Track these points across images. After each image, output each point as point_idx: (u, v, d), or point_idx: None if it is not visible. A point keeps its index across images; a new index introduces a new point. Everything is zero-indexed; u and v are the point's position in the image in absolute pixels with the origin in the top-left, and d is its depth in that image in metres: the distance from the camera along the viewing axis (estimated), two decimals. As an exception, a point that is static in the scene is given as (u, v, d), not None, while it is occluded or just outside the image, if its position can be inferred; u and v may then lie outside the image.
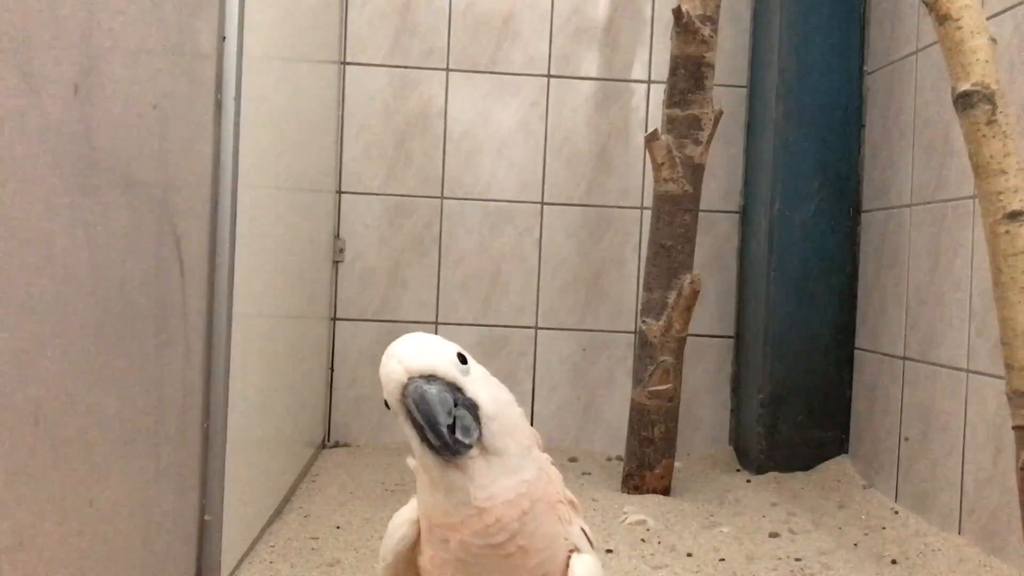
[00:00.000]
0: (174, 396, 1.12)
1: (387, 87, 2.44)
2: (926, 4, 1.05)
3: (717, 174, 2.45)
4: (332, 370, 2.43)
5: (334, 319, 2.43)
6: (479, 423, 0.77)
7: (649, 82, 2.47)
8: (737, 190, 2.49)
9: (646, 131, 2.48)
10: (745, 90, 2.48)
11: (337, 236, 2.43)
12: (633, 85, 2.48)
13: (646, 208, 2.46)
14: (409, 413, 0.76)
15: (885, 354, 2.12)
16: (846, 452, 2.29)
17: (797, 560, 1.62)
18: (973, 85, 1.03)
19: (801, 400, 2.29)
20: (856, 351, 2.28)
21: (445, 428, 0.75)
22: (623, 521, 1.79)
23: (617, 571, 1.52)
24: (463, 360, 0.79)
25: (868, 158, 2.28)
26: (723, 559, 1.60)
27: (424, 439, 0.76)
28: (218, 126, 1.27)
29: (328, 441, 2.43)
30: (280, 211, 1.69)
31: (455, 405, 0.76)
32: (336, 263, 2.43)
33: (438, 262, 2.45)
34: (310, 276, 2.06)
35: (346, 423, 2.44)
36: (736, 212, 2.49)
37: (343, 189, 2.43)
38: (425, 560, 0.85)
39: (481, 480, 0.77)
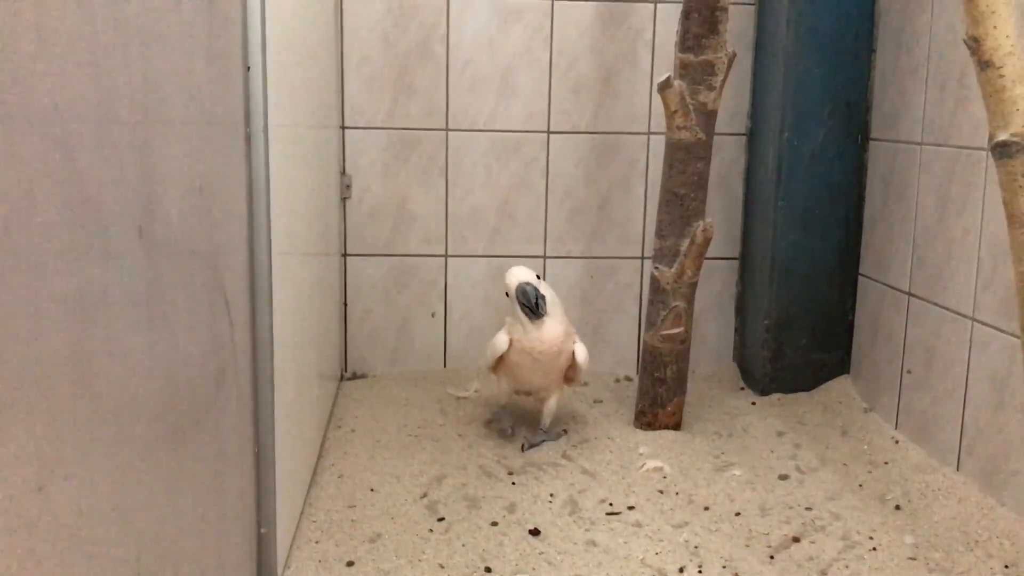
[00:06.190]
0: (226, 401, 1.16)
1: (387, 16, 2.37)
2: (969, 47, 1.03)
3: (723, 95, 2.41)
4: (345, 305, 2.47)
5: (344, 255, 2.45)
6: (545, 304, 1.84)
7: (656, 1, 2.41)
8: (744, 111, 2.47)
9: (652, 55, 2.43)
10: (753, 7, 2.42)
11: (343, 172, 2.41)
12: (638, 6, 2.41)
13: (653, 133, 2.45)
14: (519, 297, 1.83)
15: (890, 286, 2.17)
16: (847, 372, 2.37)
17: (808, 509, 1.72)
18: (1012, 136, 1.03)
19: (806, 324, 2.36)
20: (860, 277, 2.33)
21: (535, 305, 1.82)
22: (641, 467, 1.88)
23: (641, 533, 1.62)
24: (538, 277, 1.87)
25: (878, 85, 2.25)
26: (739, 513, 1.70)
27: (524, 309, 1.83)
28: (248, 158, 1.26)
29: (346, 372, 2.49)
30: (306, 181, 1.69)
31: (537, 294, 1.81)
32: (344, 199, 2.42)
33: (445, 195, 2.45)
34: (325, 266, 2.06)
35: (361, 355, 2.50)
36: (743, 134, 2.48)
37: (346, 124, 2.40)
38: (511, 359, 1.90)
39: (543, 328, 1.86)
